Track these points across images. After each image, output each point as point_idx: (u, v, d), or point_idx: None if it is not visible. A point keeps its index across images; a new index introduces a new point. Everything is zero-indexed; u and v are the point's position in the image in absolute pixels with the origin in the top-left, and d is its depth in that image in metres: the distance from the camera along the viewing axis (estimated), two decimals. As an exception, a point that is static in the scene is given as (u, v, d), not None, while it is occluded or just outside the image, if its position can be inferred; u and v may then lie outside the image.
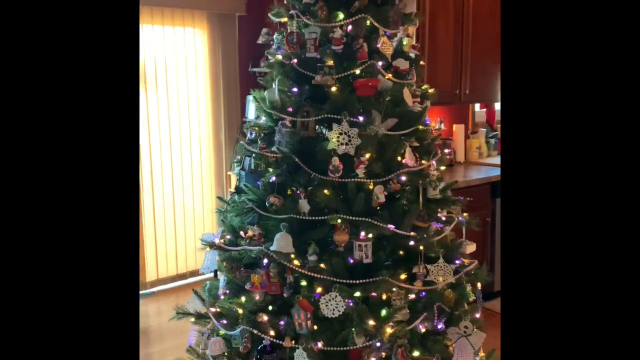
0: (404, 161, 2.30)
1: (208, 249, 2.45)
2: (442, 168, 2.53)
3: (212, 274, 2.64)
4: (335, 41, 2.25)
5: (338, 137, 2.16)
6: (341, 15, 2.26)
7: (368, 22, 2.28)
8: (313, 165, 2.27)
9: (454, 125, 5.47)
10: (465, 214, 2.72)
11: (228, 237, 2.50)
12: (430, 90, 2.58)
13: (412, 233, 2.28)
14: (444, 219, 2.57)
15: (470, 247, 2.69)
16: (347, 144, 2.16)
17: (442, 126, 5.42)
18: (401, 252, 2.34)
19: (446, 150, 5.12)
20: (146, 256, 5.30)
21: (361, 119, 2.21)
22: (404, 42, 2.43)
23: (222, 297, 2.52)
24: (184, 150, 5.40)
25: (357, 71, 2.27)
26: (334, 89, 2.26)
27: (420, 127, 2.43)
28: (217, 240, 2.47)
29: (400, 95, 2.32)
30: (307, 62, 2.30)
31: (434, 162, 2.43)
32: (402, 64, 2.33)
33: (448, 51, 4.79)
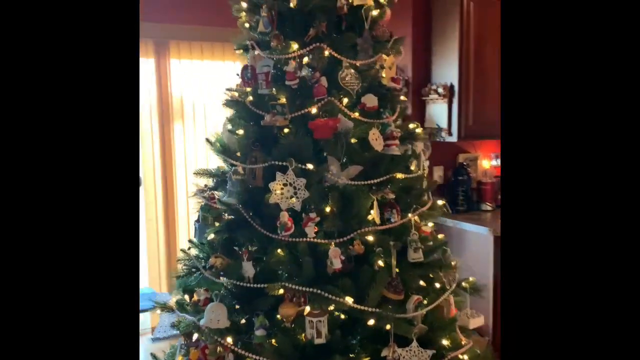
0: (370, 217, 1.89)
1: (159, 310, 2.16)
2: (430, 225, 2.07)
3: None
4: (288, 75, 1.91)
5: (282, 188, 1.80)
6: (295, 46, 1.93)
7: (327, 53, 1.91)
8: (263, 220, 1.92)
9: (514, 161, 4.84)
10: (471, 279, 2.22)
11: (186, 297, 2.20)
12: (418, 130, 2.14)
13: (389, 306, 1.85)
14: (438, 286, 2.10)
15: (476, 321, 2.18)
16: (292, 197, 1.80)
17: (498, 162, 4.84)
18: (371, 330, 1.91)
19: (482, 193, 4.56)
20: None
21: (310, 166, 1.83)
22: (383, 74, 2.03)
23: (184, 364, 2.21)
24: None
25: (314, 110, 1.90)
26: (286, 130, 1.92)
27: (400, 175, 2.00)
28: (170, 301, 2.18)
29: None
30: (261, 99, 1.98)
31: (415, 217, 1.98)
32: (369, 100, 1.93)
33: (498, 81, 4.24)
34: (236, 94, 2.05)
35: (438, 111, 4.25)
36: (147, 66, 4.23)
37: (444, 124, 4.21)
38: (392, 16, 4.22)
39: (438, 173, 4.49)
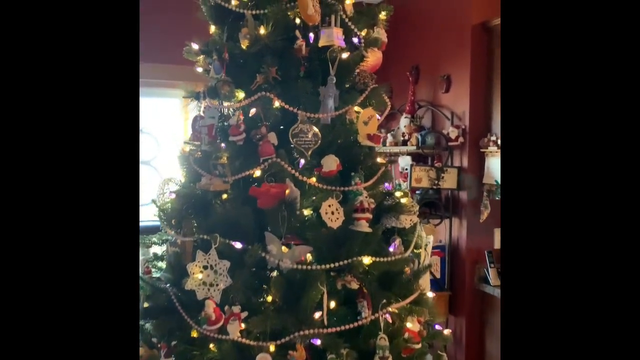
0: (316, 315, 1.45)
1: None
2: (410, 325, 1.58)
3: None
4: (232, 130, 1.57)
5: (202, 272, 1.44)
6: (241, 95, 1.59)
7: (277, 103, 1.55)
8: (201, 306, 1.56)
9: None
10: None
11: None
12: (405, 200, 1.69)
13: None
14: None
15: None
16: (211, 285, 1.42)
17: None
18: None
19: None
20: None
21: (238, 245, 1.45)
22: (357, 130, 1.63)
23: None
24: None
25: (257, 172, 1.54)
26: (225, 196, 1.56)
27: (367, 258, 1.55)
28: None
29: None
30: (208, 157, 1.65)
31: (384, 314, 1.52)
32: (327, 163, 1.53)
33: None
34: (187, 148, 1.74)
35: (498, 165, 3.68)
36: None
37: (504, 180, 3.62)
38: (450, 59, 3.78)
39: (498, 237, 3.87)
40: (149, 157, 4.13)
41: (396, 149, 4.05)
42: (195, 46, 1.71)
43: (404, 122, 4.04)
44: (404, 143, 3.98)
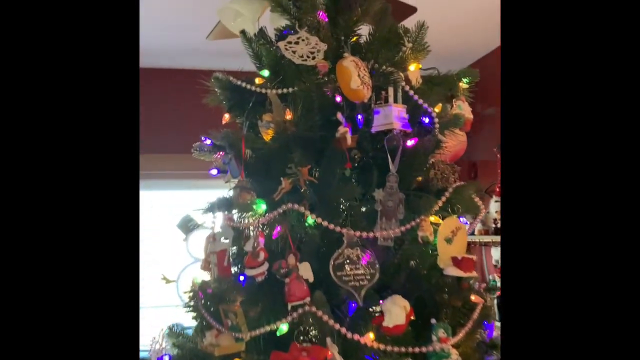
0: None
1: None
2: None
3: None
4: (246, 261, 1.07)
5: None
6: (262, 207, 1.09)
7: (311, 219, 1.03)
8: None
9: None
10: None
11: None
12: None
13: None
14: None
15: None
16: None
17: None
18: None
19: None
20: None
21: None
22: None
23: None
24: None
25: (283, 327, 1.01)
26: (237, 362, 1.04)
27: None
28: None
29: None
30: (218, 297, 1.15)
31: None
32: (391, 314, 0.96)
33: None
34: (199, 280, 1.25)
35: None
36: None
37: None
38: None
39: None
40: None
41: (487, 239, 3.47)
42: (207, 141, 1.27)
43: (494, 206, 3.47)
44: (496, 231, 3.40)
